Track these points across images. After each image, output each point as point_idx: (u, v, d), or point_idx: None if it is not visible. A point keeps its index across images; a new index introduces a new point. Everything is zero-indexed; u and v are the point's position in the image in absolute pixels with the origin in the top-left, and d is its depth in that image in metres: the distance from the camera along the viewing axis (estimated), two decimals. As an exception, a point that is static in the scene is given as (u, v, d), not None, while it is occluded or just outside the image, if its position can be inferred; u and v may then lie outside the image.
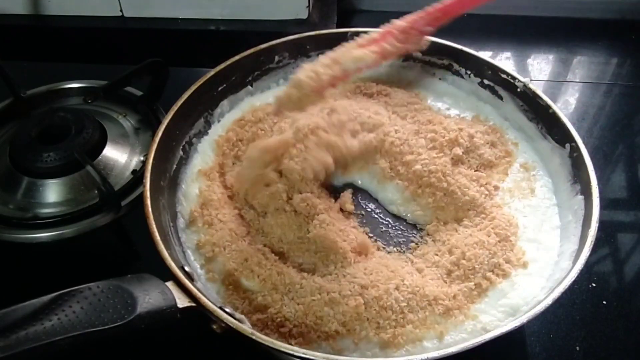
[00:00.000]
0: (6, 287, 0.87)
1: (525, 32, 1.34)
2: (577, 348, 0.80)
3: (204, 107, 0.96)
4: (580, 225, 0.77)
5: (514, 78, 0.95)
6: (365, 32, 1.01)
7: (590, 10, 1.36)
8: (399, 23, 0.85)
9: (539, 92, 0.91)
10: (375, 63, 0.81)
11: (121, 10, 1.29)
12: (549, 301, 0.65)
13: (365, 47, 0.81)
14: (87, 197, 0.93)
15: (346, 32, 1.02)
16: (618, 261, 0.92)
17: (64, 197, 0.93)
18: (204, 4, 1.26)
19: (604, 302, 0.85)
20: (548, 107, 0.89)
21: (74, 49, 1.24)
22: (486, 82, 0.99)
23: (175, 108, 0.88)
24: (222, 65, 0.96)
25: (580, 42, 1.32)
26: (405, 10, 1.37)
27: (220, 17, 1.28)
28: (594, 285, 0.87)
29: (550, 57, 1.31)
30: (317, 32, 1.03)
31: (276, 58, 1.02)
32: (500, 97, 0.98)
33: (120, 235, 0.96)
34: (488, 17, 1.36)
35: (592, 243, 0.71)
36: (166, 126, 0.86)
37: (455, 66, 1.02)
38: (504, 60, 1.30)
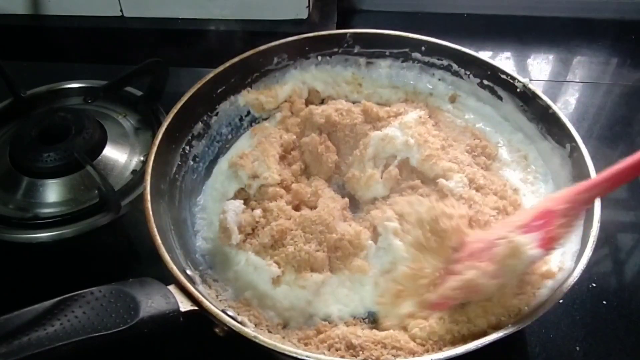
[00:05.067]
0: (6, 287, 0.87)
1: (525, 32, 1.34)
2: (577, 348, 0.80)
3: (203, 109, 0.95)
4: (582, 226, 0.77)
5: (513, 78, 0.94)
6: (365, 33, 1.02)
7: (590, 10, 1.36)
8: (555, 205, 0.68)
9: (539, 92, 0.91)
10: (544, 254, 0.67)
11: (121, 10, 1.28)
12: (551, 302, 0.65)
13: (526, 232, 0.66)
14: (87, 197, 0.93)
15: (345, 33, 1.02)
16: (618, 261, 0.92)
17: (64, 197, 0.94)
18: (204, 4, 1.26)
19: (604, 302, 0.85)
20: (548, 107, 0.89)
21: (74, 49, 1.23)
22: (485, 82, 0.99)
23: (174, 111, 0.88)
24: (221, 67, 0.95)
25: (580, 42, 1.32)
26: (405, 11, 1.38)
27: (220, 17, 1.27)
28: (594, 285, 0.87)
29: (550, 57, 1.31)
30: (316, 33, 1.03)
31: (275, 60, 1.01)
32: (500, 98, 0.97)
33: (120, 235, 0.96)
34: (488, 17, 1.36)
35: (594, 243, 0.71)
36: (166, 129, 0.85)
37: (455, 67, 1.01)
38: (504, 60, 1.29)
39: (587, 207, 0.71)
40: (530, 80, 0.95)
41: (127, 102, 1.09)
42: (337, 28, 1.27)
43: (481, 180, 0.86)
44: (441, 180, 0.85)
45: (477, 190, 0.85)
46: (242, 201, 0.86)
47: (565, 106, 1.17)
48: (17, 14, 1.30)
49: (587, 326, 0.83)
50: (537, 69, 1.27)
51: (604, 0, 1.36)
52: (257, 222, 0.84)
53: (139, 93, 1.09)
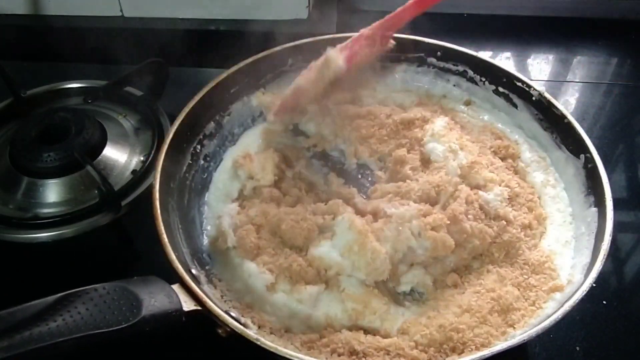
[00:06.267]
0: (6, 287, 0.87)
1: (525, 32, 1.34)
2: (577, 348, 0.80)
3: (215, 108, 0.95)
4: (593, 239, 0.76)
5: (529, 86, 0.93)
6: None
7: (590, 10, 1.36)
8: (365, 30, 0.92)
9: (554, 101, 0.90)
10: (346, 67, 0.89)
11: (121, 10, 1.28)
12: (559, 315, 0.65)
13: (341, 50, 0.91)
14: (87, 197, 0.93)
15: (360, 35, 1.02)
16: (618, 261, 0.92)
17: (64, 197, 0.93)
18: (204, 4, 1.26)
19: (604, 302, 0.85)
20: (563, 116, 0.89)
21: (74, 49, 1.23)
22: (501, 89, 0.98)
23: (186, 110, 0.88)
24: (235, 68, 0.95)
25: (580, 42, 1.32)
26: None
27: (220, 17, 1.27)
28: (594, 285, 0.86)
29: (550, 57, 1.31)
30: (332, 35, 1.02)
31: (289, 61, 1.01)
32: (515, 105, 0.97)
33: (121, 235, 0.96)
34: (488, 17, 1.36)
35: (605, 257, 0.70)
36: (177, 127, 0.85)
37: (470, 73, 1.01)
38: (504, 60, 1.30)
39: (386, 34, 0.93)
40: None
41: (127, 102, 1.09)
42: (337, 29, 1.27)
43: (516, 187, 0.86)
44: (479, 192, 0.83)
45: (511, 199, 0.84)
46: (236, 203, 0.88)
47: (566, 106, 1.16)
48: (17, 14, 1.30)
49: (587, 326, 0.83)
50: (537, 69, 1.27)
51: (604, 0, 1.36)
52: (252, 222, 0.83)
53: (139, 93, 1.09)
